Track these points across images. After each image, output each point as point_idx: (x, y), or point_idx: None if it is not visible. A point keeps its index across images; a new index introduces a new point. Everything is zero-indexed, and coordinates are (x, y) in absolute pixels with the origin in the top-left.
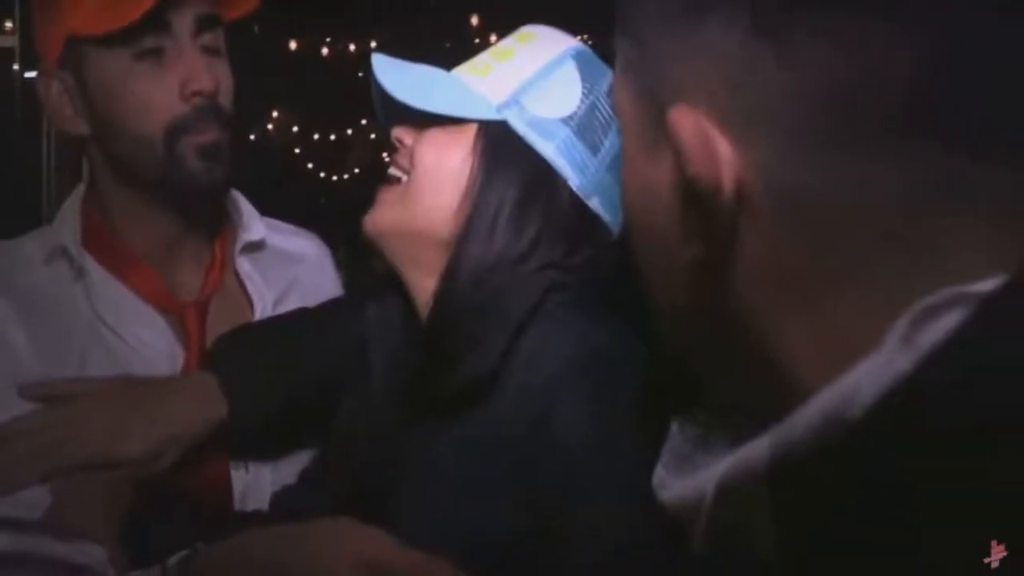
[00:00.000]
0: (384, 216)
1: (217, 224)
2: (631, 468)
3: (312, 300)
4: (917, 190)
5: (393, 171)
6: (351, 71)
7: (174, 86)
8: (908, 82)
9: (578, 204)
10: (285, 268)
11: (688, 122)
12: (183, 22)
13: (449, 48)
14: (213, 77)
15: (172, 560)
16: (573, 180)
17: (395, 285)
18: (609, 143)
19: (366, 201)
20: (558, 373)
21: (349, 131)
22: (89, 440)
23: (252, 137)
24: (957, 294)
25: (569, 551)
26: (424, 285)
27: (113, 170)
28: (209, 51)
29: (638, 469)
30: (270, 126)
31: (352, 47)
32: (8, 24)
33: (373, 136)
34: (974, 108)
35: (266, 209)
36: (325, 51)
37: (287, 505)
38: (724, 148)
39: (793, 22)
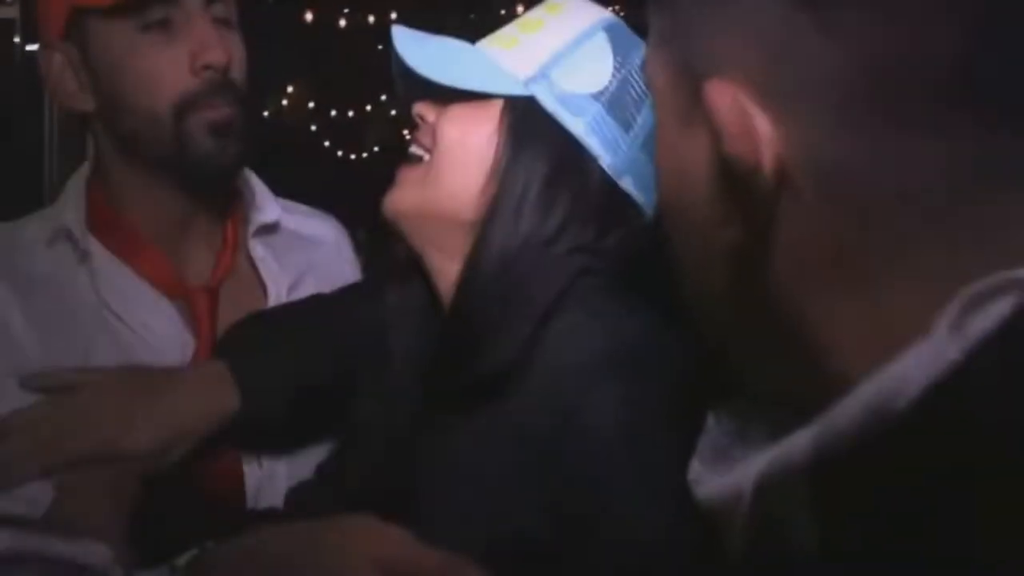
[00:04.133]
0: (405, 197)
1: (229, 205)
2: (664, 463)
3: (329, 286)
4: (964, 167)
5: (414, 149)
6: (370, 44)
7: (183, 59)
8: (954, 55)
9: (609, 184)
10: (300, 252)
11: (726, 97)
12: None
13: (474, 19)
14: (225, 50)
15: (181, 560)
16: (604, 159)
17: (416, 270)
18: (642, 120)
19: (386, 181)
20: (587, 363)
21: (368, 107)
22: (93, 433)
23: (265, 114)
24: (1008, 279)
25: (595, 550)
26: (447, 270)
27: (119, 148)
28: (220, 22)
29: (672, 464)
30: (285, 102)
31: (371, 18)
32: None
33: (393, 112)
34: (1022, 82)
35: (280, 190)
36: (342, 22)
37: (303, 502)
38: (763, 125)
39: None
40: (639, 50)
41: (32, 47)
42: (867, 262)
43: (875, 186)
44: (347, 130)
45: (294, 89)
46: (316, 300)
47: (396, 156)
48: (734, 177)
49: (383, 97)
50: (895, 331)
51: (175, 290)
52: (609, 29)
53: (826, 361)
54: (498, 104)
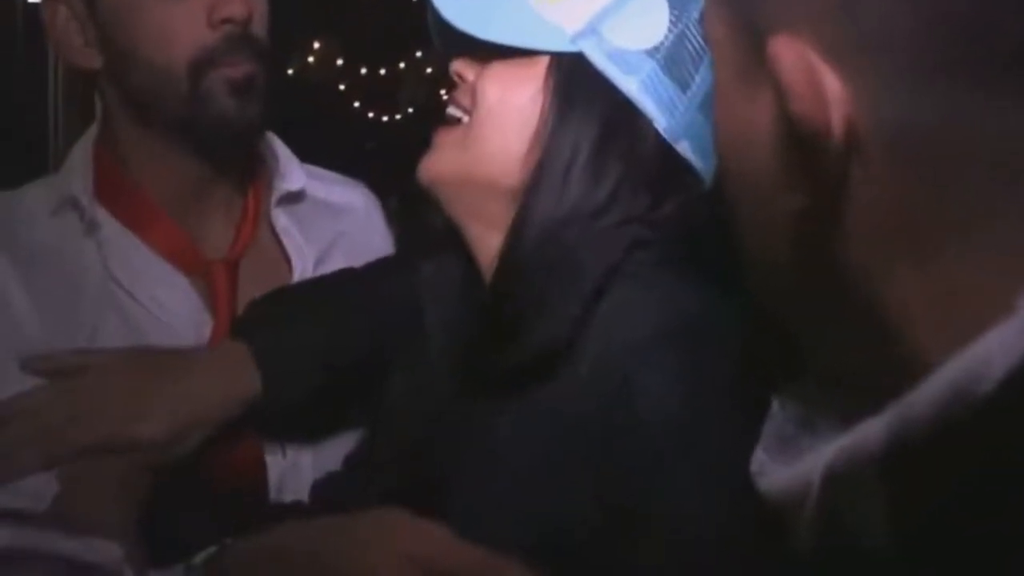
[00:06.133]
0: (442, 162)
1: (250, 172)
2: (723, 452)
3: (358, 258)
4: None
5: (452, 110)
6: None
7: (200, 12)
8: None
9: (664, 149)
10: (328, 222)
11: (790, 54)
12: None
13: None
14: (245, 2)
15: (198, 558)
16: (659, 121)
17: (454, 242)
18: (700, 79)
19: (421, 145)
20: (640, 342)
21: (401, 65)
22: (102, 420)
23: (290, 72)
24: None
25: (646, 546)
26: (488, 241)
27: (130, 109)
28: None
29: (732, 453)
30: (311, 59)
31: None
32: None
33: (429, 70)
34: None
35: (306, 154)
36: None
37: (330, 495)
38: (831, 83)
39: None
40: (697, 2)
41: None
42: (940, 232)
43: (950, 151)
44: (379, 89)
45: (321, 45)
46: (345, 274)
47: (432, 118)
48: (800, 139)
49: (418, 54)
50: (968, 305)
51: (191, 264)
52: None
53: (895, 335)
54: (543, 61)
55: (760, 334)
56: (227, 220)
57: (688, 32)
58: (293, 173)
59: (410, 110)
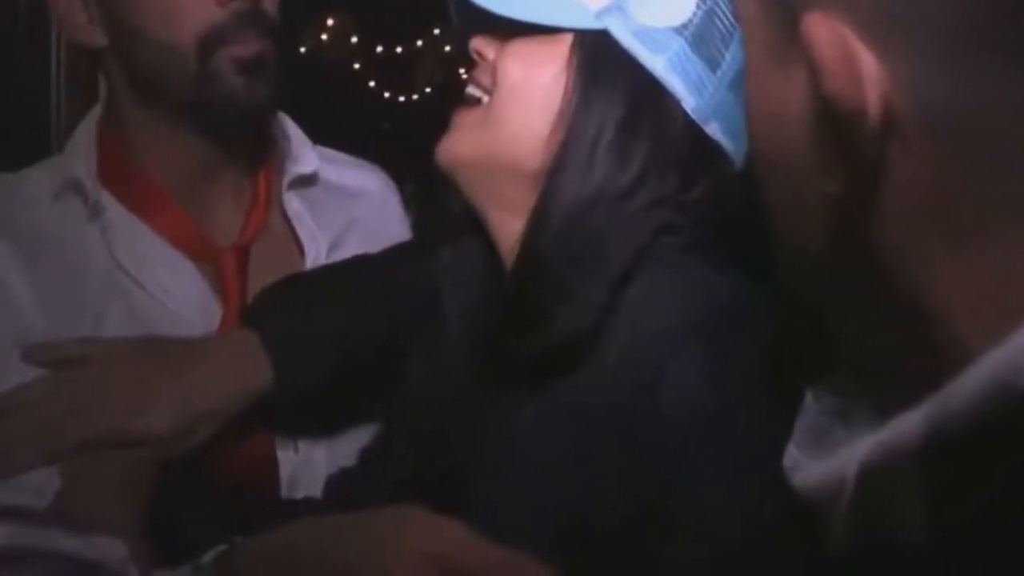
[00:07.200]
0: (461, 143)
1: (260, 154)
2: (750, 442)
3: (374, 244)
4: None
5: (471, 90)
6: None
7: None
8: None
9: (693, 130)
10: (342, 207)
11: (824, 31)
12: None
13: None
14: None
15: (207, 557)
16: (687, 101)
17: (474, 226)
18: (730, 57)
19: (439, 126)
20: (668, 330)
21: (419, 42)
22: (104, 413)
23: (302, 49)
24: None
25: (673, 543)
26: (508, 227)
27: (136, 89)
28: None
29: (763, 447)
30: (324, 36)
31: None
32: None
33: (447, 49)
34: None
35: (319, 136)
36: None
37: (344, 491)
38: (868, 62)
39: None
40: None
41: None
42: (978, 214)
43: (987, 131)
44: (395, 68)
45: (335, 21)
46: (360, 260)
47: (451, 98)
48: (835, 120)
49: (436, 31)
50: (1008, 292)
51: (199, 250)
52: None
53: (931, 320)
54: (567, 39)
55: (791, 321)
56: (236, 204)
57: (717, 9)
58: (305, 155)
59: (428, 90)
